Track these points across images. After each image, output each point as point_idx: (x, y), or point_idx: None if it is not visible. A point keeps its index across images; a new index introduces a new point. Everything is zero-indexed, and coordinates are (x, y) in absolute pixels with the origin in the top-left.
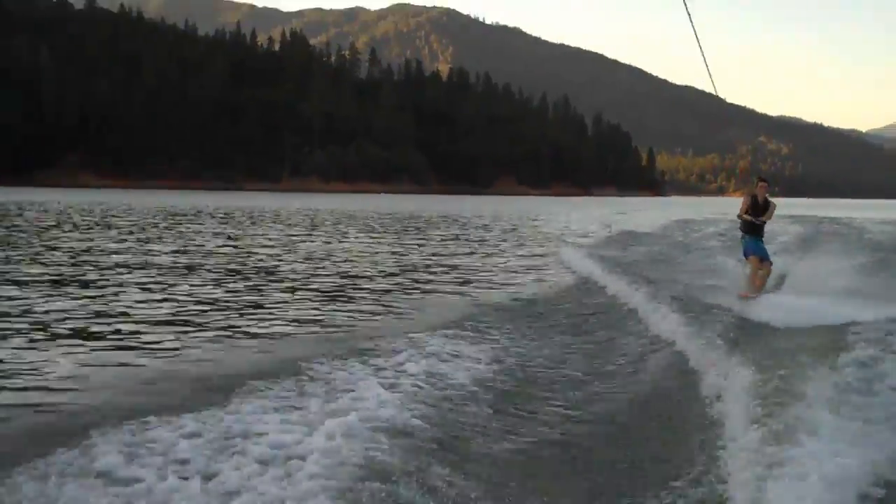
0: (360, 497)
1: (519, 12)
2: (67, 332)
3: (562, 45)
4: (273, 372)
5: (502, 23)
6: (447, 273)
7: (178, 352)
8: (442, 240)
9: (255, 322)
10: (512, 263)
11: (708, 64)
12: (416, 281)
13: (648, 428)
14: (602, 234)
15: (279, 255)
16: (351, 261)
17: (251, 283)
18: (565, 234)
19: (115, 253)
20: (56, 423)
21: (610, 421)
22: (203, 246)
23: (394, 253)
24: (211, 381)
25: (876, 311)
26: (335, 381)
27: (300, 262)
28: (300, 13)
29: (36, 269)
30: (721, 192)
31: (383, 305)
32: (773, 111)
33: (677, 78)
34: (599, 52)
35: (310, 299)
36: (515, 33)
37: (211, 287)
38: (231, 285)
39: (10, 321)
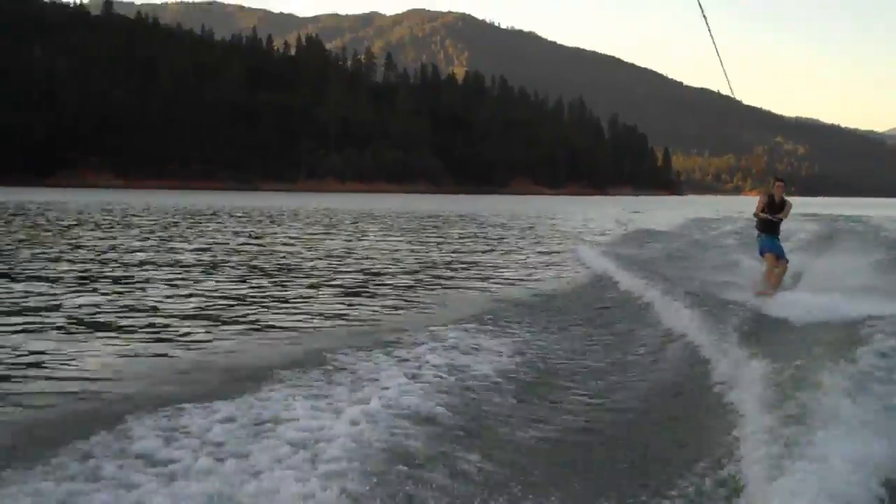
0: (389, 480)
1: (534, 16)
2: (100, 325)
3: (577, 49)
4: (300, 362)
5: (517, 27)
6: (466, 269)
7: (208, 344)
8: (460, 237)
9: (281, 316)
10: (530, 260)
11: (723, 63)
12: (437, 277)
13: (668, 416)
14: (618, 232)
15: (300, 253)
16: (372, 258)
17: (275, 280)
18: (582, 232)
19: (140, 251)
20: (95, 410)
21: (631, 409)
22: (226, 244)
23: (413, 250)
24: (241, 371)
25: (893, 307)
26: (360, 371)
27: (321, 259)
28: (316, 18)
29: (64, 267)
30: (737, 191)
31: (405, 300)
32: (790, 112)
33: (693, 80)
34: (615, 55)
35: (333, 294)
36: (531, 37)
37: (236, 283)
38: (255, 281)
39: (44, 315)
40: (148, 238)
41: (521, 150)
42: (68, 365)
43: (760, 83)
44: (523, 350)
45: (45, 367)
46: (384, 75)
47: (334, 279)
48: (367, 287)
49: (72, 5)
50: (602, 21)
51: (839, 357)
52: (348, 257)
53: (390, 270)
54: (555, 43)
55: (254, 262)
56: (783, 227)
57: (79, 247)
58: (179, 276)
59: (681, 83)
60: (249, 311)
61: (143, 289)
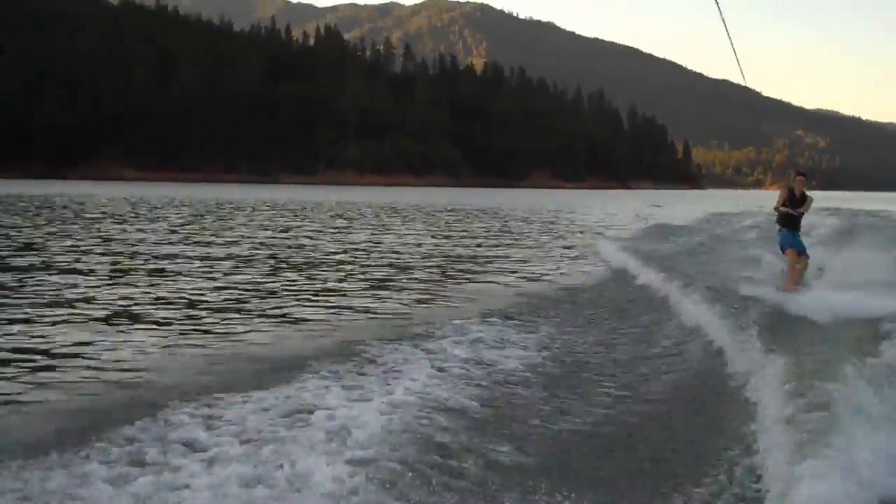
0: (422, 469)
1: (552, 7)
2: (136, 317)
3: (596, 40)
4: (332, 354)
5: (536, 17)
6: (490, 263)
7: (242, 335)
8: (483, 231)
9: (312, 309)
10: (552, 255)
11: (736, 51)
12: (461, 271)
13: (693, 408)
14: (638, 227)
15: (326, 246)
16: (396, 251)
17: (303, 273)
18: (601, 226)
19: (168, 244)
20: (135, 398)
21: (658, 401)
22: (253, 237)
23: (437, 244)
24: (275, 362)
25: None
26: (389, 363)
27: (347, 253)
28: (334, 8)
29: (96, 260)
30: (758, 185)
31: (431, 294)
32: (810, 104)
33: (713, 72)
34: (634, 46)
35: (360, 288)
36: (549, 28)
37: (266, 276)
38: (285, 275)
39: (82, 307)
40: (175, 231)
41: (539, 140)
42: (108, 355)
43: (781, 75)
44: (549, 344)
45: (86, 357)
46: (403, 66)
47: (361, 272)
48: (394, 280)
49: None
50: (621, 11)
51: (861, 352)
52: (373, 251)
53: (415, 264)
54: (573, 33)
55: (282, 256)
56: (803, 221)
57: (109, 240)
58: (210, 269)
59: (701, 74)
60: (281, 304)
61: (175, 281)
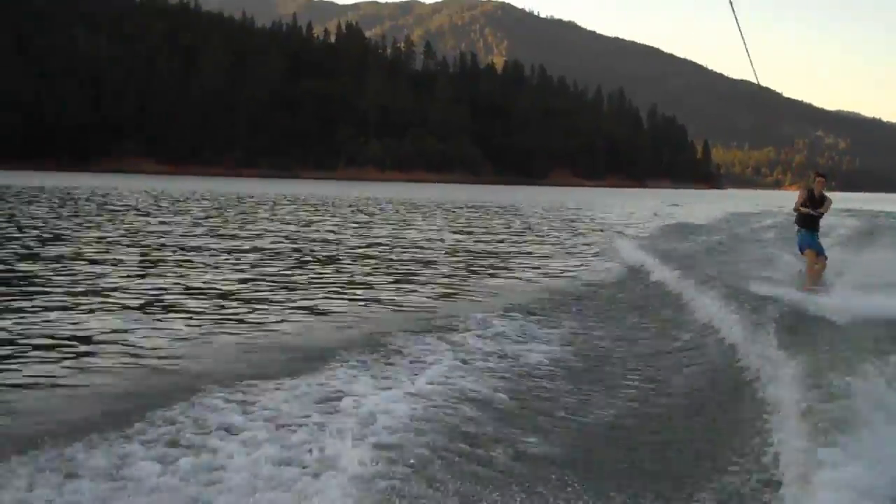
0: (452, 457)
1: (574, 5)
2: (169, 307)
3: (616, 39)
4: (360, 344)
5: (557, 16)
6: (511, 259)
7: (273, 326)
8: (504, 228)
9: (339, 301)
10: (571, 252)
11: (749, 52)
12: (483, 266)
13: (716, 402)
14: (658, 226)
15: (350, 240)
16: (419, 246)
17: (329, 266)
18: (621, 225)
19: (194, 236)
20: (171, 384)
21: (682, 395)
22: (277, 231)
23: (458, 240)
24: (305, 351)
25: None
26: (415, 354)
27: (371, 248)
28: (356, 6)
29: (125, 251)
30: (777, 185)
31: (454, 288)
32: (831, 106)
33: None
34: (655, 45)
35: (386, 281)
36: (570, 27)
37: (293, 269)
38: (311, 267)
39: (116, 296)
40: (199, 224)
41: (560, 139)
42: (144, 342)
43: (802, 76)
44: (571, 338)
45: (123, 344)
46: (423, 63)
47: (385, 266)
48: (417, 275)
49: None
50: (642, 11)
51: (881, 352)
52: (396, 245)
53: (438, 259)
54: (594, 32)
55: (306, 249)
56: (822, 222)
57: (135, 232)
58: (238, 261)
59: (721, 75)
60: (309, 296)
61: (204, 273)
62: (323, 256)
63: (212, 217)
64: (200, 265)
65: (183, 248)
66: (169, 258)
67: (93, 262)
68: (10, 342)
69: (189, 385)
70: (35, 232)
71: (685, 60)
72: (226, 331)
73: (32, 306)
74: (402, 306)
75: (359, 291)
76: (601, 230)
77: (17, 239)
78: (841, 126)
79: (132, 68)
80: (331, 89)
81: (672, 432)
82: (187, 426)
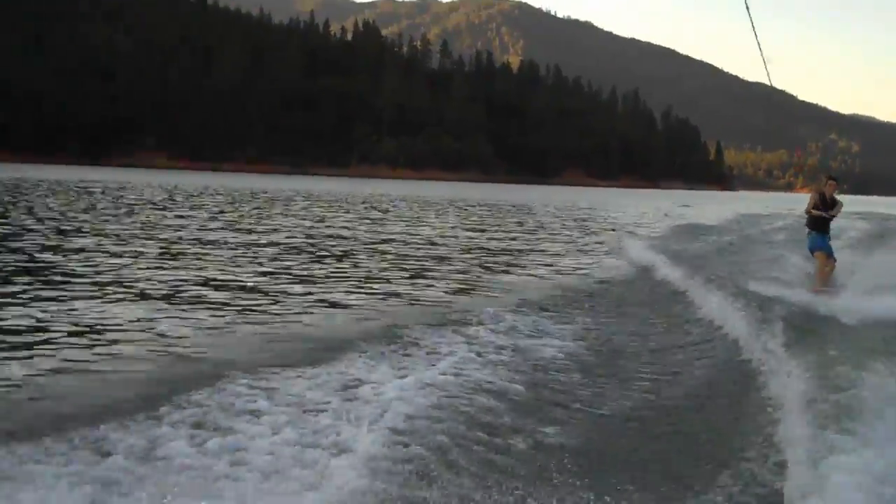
0: (470, 447)
1: (591, 6)
2: (191, 297)
3: (633, 40)
4: (378, 336)
5: (574, 16)
6: (524, 256)
7: (293, 317)
8: (517, 226)
9: (356, 294)
10: (584, 250)
11: (763, 53)
12: (496, 263)
13: (727, 396)
14: (669, 226)
15: (365, 236)
16: (433, 242)
17: (346, 261)
18: (633, 225)
19: (211, 230)
20: (200, 371)
21: (696, 388)
22: (293, 227)
23: (471, 238)
24: (325, 342)
25: None
26: (432, 347)
27: (386, 244)
28: (373, 4)
29: (141, 243)
30: (789, 188)
31: (468, 284)
32: (846, 109)
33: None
34: (671, 47)
35: (401, 276)
36: (586, 27)
37: (311, 263)
38: (328, 262)
39: (139, 287)
40: (216, 218)
41: (574, 139)
42: (170, 331)
43: (817, 79)
44: (583, 333)
45: (150, 332)
46: (440, 62)
47: (400, 262)
48: (432, 270)
49: None
50: (659, 12)
51: (890, 353)
52: (411, 242)
53: (452, 256)
54: (611, 33)
55: (323, 245)
56: (832, 224)
57: (153, 226)
58: (256, 255)
59: (737, 77)
60: (327, 289)
61: (223, 266)
62: (339, 251)
63: (226, 212)
64: (219, 258)
65: (201, 242)
66: (188, 251)
67: (114, 254)
68: (44, 329)
69: (214, 372)
70: (54, 223)
71: (701, 62)
72: (248, 321)
73: (61, 296)
74: (417, 300)
75: (375, 285)
76: (613, 230)
77: (38, 231)
78: (854, 129)
79: (148, 64)
80: (347, 87)
81: (686, 423)
82: (213, 410)
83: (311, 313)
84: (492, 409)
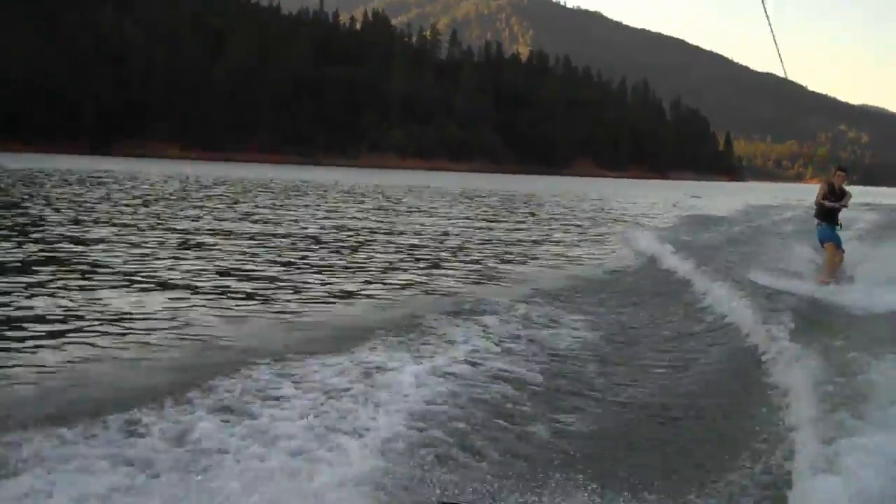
0: (491, 434)
1: None
2: (214, 287)
3: (643, 31)
4: (396, 325)
5: (583, 7)
6: (536, 246)
7: (314, 306)
8: (527, 216)
9: (374, 284)
10: (594, 241)
11: (778, 46)
12: (508, 253)
13: (744, 381)
14: (679, 217)
15: (378, 227)
16: (445, 233)
17: (361, 252)
18: (643, 215)
19: (227, 220)
20: (226, 358)
21: (711, 374)
22: (308, 218)
23: (482, 228)
24: (345, 330)
25: None
26: (451, 335)
27: (399, 235)
28: None
29: (160, 234)
30: (798, 178)
31: (481, 274)
32: (856, 100)
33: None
34: (681, 37)
35: (416, 267)
36: (596, 17)
37: (329, 254)
38: (344, 253)
39: (161, 277)
40: (232, 209)
41: (583, 130)
42: (197, 320)
43: (827, 70)
44: (597, 322)
45: (177, 321)
46: (448, 52)
47: (415, 252)
48: (446, 261)
49: None
50: (669, 2)
51: None
52: (423, 233)
53: (465, 246)
54: (620, 23)
55: (339, 235)
56: (840, 215)
57: (171, 216)
58: (275, 246)
59: (747, 67)
60: (346, 279)
61: (244, 256)
62: (354, 242)
63: (241, 202)
64: (239, 249)
65: (219, 232)
66: (207, 242)
67: (135, 244)
68: (74, 318)
69: (241, 359)
70: (72, 214)
71: (710, 52)
72: (271, 310)
73: (88, 285)
74: (434, 290)
75: (392, 275)
76: (623, 220)
77: (57, 222)
78: (864, 120)
79: (159, 52)
80: (356, 76)
81: (701, 408)
82: (242, 395)
83: (332, 302)
84: (509, 397)
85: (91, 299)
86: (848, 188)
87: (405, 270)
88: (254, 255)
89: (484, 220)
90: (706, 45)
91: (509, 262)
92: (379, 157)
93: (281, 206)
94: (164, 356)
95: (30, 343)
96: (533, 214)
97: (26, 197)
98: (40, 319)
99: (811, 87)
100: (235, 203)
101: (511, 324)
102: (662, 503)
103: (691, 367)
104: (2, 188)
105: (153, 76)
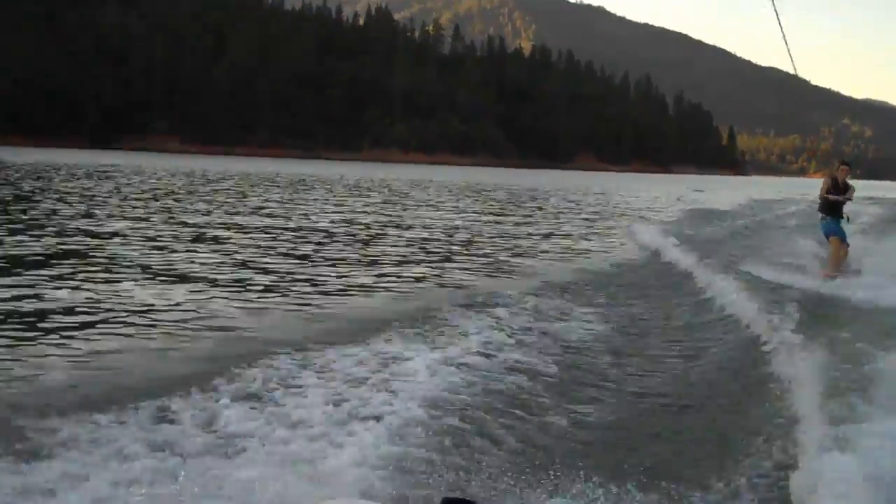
0: (510, 422)
1: None
2: (232, 281)
3: (646, 25)
4: (411, 317)
5: (586, 1)
6: (544, 240)
7: (331, 299)
8: (533, 211)
9: (386, 277)
10: (599, 234)
11: (787, 42)
12: (517, 246)
13: (756, 372)
14: (682, 211)
15: (388, 222)
16: (454, 227)
17: (372, 245)
18: (646, 209)
19: (238, 215)
20: (249, 348)
21: (723, 363)
22: (316, 212)
23: (489, 222)
24: (362, 322)
25: None
26: (465, 327)
27: (409, 229)
28: None
29: (176, 228)
30: (802, 173)
31: (491, 267)
32: (859, 94)
33: (762, 59)
34: (684, 32)
35: (427, 259)
36: (599, 12)
37: (340, 247)
38: (357, 246)
39: (180, 270)
40: (241, 203)
41: (586, 124)
42: (220, 312)
43: (830, 63)
44: (606, 314)
45: (201, 313)
46: (451, 47)
47: (426, 245)
48: (456, 255)
49: None
50: None
51: None
52: (433, 226)
53: (473, 240)
54: (623, 18)
55: (349, 229)
56: (847, 208)
57: (183, 210)
58: (287, 240)
59: (749, 62)
60: (360, 272)
61: (258, 250)
62: (365, 236)
63: (248, 196)
64: (253, 242)
65: (232, 226)
66: (221, 236)
67: (150, 238)
68: (100, 310)
69: (263, 349)
70: (83, 208)
71: (713, 47)
72: (290, 302)
73: (110, 278)
74: (446, 283)
75: (404, 269)
76: (627, 214)
77: (70, 215)
78: (868, 114)
79: (161, 47)
80: (359, 72)
81: (713, 398)
82: (265, 383)
83: (348, 295)
84: (524, 387)
85: (115, 292)
86: (851, 182)
87: (417, 263)
88: (268, 248)
89: (491, 213)
90: (709, 40)
91: (519, 255)
92: (382, 152)
93: (290, 200)
94: (189, 346)
95: (60, 334)
96: (540, 208)
97: (37, 191)
98: (69, 311)
99: (814, 82)
100: (244, 197)
101: (523, 316)
102: (684, 490)
103: (702, 358)
104: (10, 182)
105: (155, 72)
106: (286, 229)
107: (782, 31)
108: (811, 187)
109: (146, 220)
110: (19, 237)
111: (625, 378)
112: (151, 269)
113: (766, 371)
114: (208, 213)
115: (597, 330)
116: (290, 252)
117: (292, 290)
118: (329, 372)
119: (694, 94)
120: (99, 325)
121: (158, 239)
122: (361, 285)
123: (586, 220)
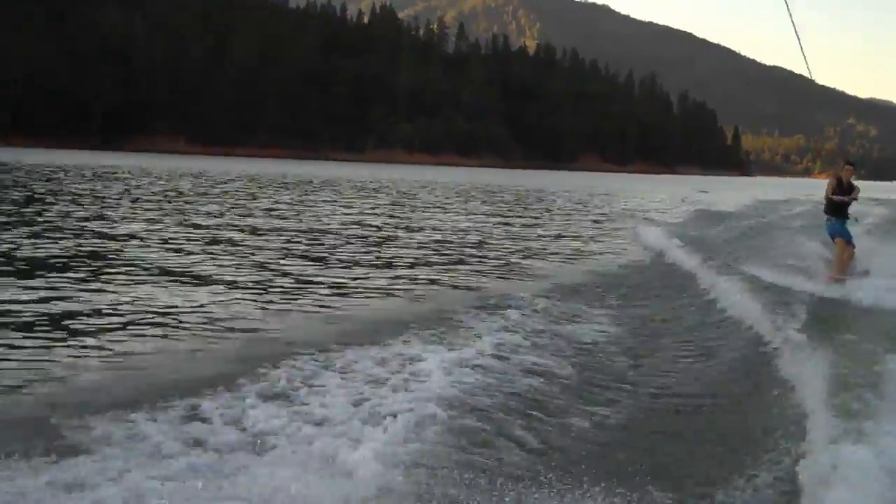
0: (529, 423)
1: None
2: (254, 283)
3: (650, 24)
4: (427, 319)
5: (590, 0)
6: (553, 242)
7: (349, 301)
8: (540, 213)
9: (401, 280)
10: (606, 237)
11: (803, 47)
12: (528, 249)
13: (768, 372)
14: (687, 213)
15: (397, 224)
16: (463, 230)
17: (384, 248)
18: (652, 211)
19: (250, 216)
20: (270, 349)
21: (736, 362)
22: (325, 214)
23: (498, 225)
24: (379, 324)
25: None
26: (480, 329)
27: (419, 232)
28: None
29: (188, 231)
30: (807, 173)
31: (502, 270)
32: (864, 94)
33: (766, 58)
34: (688, 30)
35: (440, 262)
36: (604, 10)
37: (353, 251)
38: (371, 249)
39: (198, 272)
40: (252, 205)
41: (590, 122)
42: (243, 314)
43: (835, 63)
44: (618, 315)
45: (223, 316)
46: (456, 45)
47: (438, 248)
48: (467, 258)
49: None
50: None
51: None
52: (443, 229)
53: (483, 243)
54: (628, 17)
55: (361, 232)
56: (851, 209)
57: (196, 212)
58: (300, 242)
59: (754, 60)
60: (375, 275)
61: (274, 252)
62: (378, 238)
63: (258, 198)
64: (269, 245)
65: (245, 229)
66: (236, 238)
67: (166, 240)
68: (129, 312)
69: (286, 350)
70: (96, 209)
71: (718, 45)
72: (310, 304)
73: (130, 280)
74: (460, 286)
75: (419, 271)
76: (634, 216)
77: (84, 218)
78: (872, 114)
79: (164, 48)
80: (363, 70)
81: (729, 397)
82: (289, 383)
83: (366, 297)
84: (539, 388)
85: (138, 294)
86: (856, 182)
87: (431, 266)
88: (284, 250)
89: (500, 215)
90: (714, 39)
91: (529, 257)
92: (386, 153)
93: (300, 201)
94: (214, 347)
95: (89, 336)
96: (548, 210)
97: (48, 193)
98: (95, 313)
99: (820, 81)
100: (254, 199)
101: (536, 318)
102: (706, 488)
103: (714, 357)
104: (20, 184)
105: (159, 72)
106: (299, 231)
107: (796, 33)
108: (816, 188)
109: (160, 221)
110: (38, 240)
111: (638, 379)
112: (171, 271)
113: (776, 371)
114: (221, 214)
115: (609, 331)
116: (305, 254)
117: (311, 293)
118: (350, 372)
119: (698, 93)
120: (126, 327)
121: (175, 241)
122: (377, 287)
123: (594, 221)
